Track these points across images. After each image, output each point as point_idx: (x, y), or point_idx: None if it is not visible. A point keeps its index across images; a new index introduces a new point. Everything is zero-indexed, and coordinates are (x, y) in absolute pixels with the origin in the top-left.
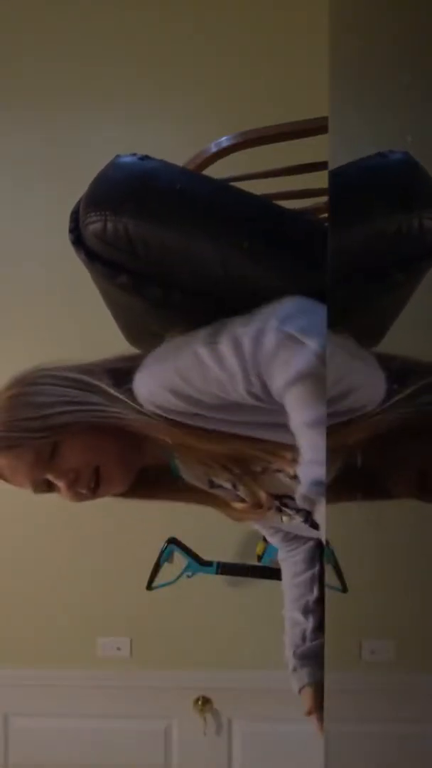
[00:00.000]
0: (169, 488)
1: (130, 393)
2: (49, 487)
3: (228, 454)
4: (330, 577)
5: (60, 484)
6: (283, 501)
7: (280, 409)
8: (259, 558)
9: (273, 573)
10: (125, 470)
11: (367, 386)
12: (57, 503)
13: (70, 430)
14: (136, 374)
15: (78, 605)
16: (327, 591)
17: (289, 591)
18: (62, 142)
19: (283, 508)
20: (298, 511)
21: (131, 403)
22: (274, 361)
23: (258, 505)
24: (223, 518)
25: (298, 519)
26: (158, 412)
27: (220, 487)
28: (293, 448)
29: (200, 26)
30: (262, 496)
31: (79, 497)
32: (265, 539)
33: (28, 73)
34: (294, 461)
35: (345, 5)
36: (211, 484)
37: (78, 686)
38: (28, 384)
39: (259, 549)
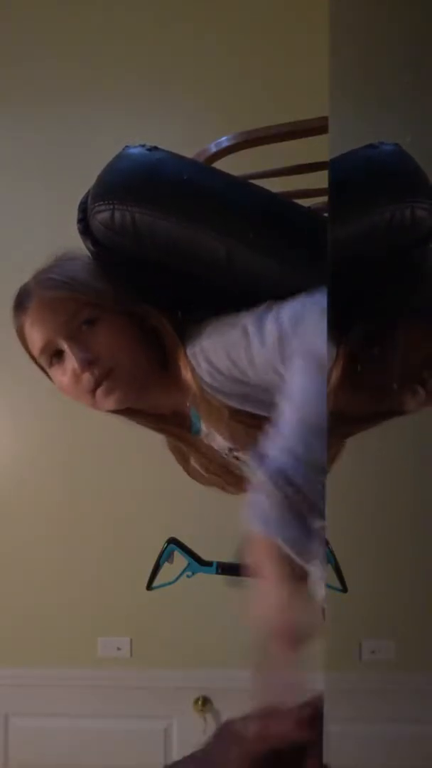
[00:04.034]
0: (176, 437)
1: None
2: (54, 358)
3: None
4: (330, 577)
5: (74, 358)
6: None
7: None
8: None
9: None
10: (131, 389)
11: None
12: (57, 502)
13: (117, 318)
14: (187, 349)
15: (78, 605)
16: (327, 591)
17: None
18: (62, 142)
19: None
20: None
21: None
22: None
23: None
24: (223, 518)
25: None
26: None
27: (236, 458)
28: None
29: (201, 26)
30: None
31: (76, 387)
32: None
33: (28, 74)
34: None
35: (345, 5)
36: (230, 450)
37: (78, 686)
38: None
39: None
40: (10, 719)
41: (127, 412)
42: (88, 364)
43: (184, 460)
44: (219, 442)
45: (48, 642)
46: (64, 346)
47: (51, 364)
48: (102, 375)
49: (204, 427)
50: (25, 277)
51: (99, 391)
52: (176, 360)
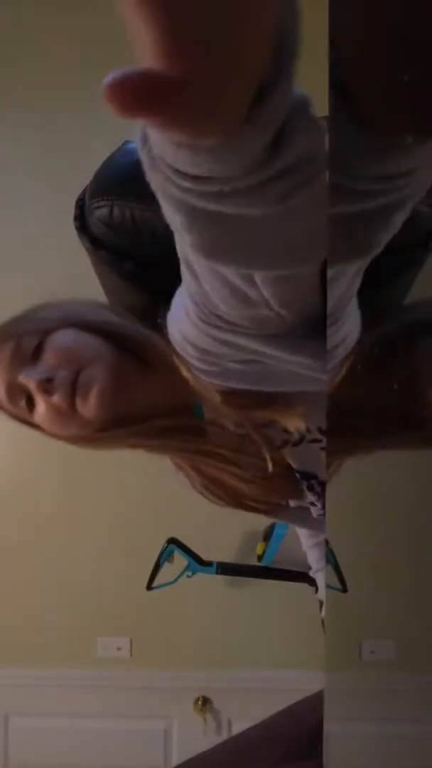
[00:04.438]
0: (189, 434)
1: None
2: (29, 404)
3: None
4: (330, 577)
5: (35, 391)
6: (310, 482)
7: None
8: (259, 558)
9: (273, 573)
10: (110, 379)
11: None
12: (57, 502)
13: (65, 331)
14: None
15: (78, 605)
16: (327, 591)
17: (315, 549)
18: (62, 143)
19: (308, 491)
20: (319, 497)
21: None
22: None
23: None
24: (223, 518)
25: (318, 507)
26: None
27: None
28: (304, 400)
29: None
30: (278, 463)
31: (57, 416)
32: (265, 539)
33: (28, 74)
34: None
35: (345, 5)
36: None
37: (78, 686)
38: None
39: (259, 549)
40: (10, 719)
41: (130, 426)
42: (48, 380)
43: (209, 484)
44: (228, 425)
45: (48, 642)
46: (21, 379)
47: (30, 411)
48: (70, 379)
49: (207, 412)
50: (25, 278)
51: (78, 399)
52: (161, 353)
